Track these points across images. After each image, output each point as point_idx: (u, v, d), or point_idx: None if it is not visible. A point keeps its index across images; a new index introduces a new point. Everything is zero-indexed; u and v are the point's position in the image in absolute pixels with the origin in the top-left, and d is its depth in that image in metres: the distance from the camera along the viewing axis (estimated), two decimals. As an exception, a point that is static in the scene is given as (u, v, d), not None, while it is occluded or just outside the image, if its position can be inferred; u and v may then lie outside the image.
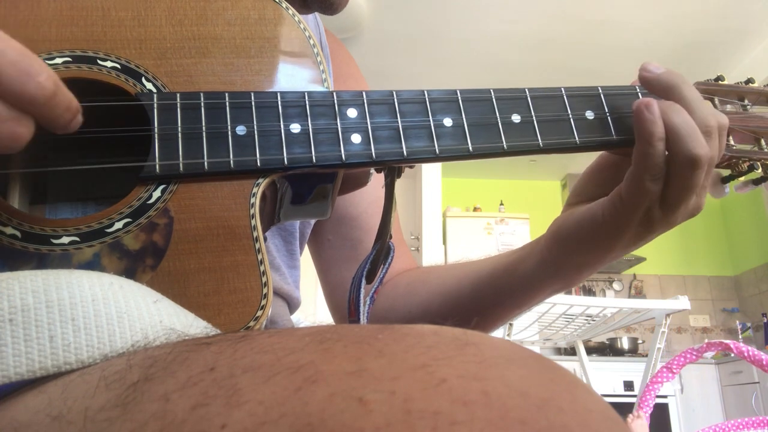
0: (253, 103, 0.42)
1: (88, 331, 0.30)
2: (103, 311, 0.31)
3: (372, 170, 0.49)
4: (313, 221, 0.68)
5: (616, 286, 5.02)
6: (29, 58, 0.30)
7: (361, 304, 0.48)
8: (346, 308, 0.69)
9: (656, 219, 0.46)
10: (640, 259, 4.78)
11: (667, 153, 0.44)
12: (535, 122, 0.47)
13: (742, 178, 0.52)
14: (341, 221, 0.70)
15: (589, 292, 4.96)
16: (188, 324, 0.33)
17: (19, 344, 0.29)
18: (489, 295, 0.57)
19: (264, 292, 0.38)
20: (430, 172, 4.52)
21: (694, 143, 0.43)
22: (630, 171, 0.45)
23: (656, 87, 0.47)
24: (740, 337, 4.56)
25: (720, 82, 0.54)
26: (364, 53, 3.56)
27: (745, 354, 1.26)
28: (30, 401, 0.28)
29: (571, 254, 0.50)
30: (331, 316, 0.73)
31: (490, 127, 0.46)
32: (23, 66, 0.30)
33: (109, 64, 0.42)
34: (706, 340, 1.35)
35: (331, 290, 0.71)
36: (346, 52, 0.77)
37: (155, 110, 0.40)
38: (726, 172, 0.53)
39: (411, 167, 0.47)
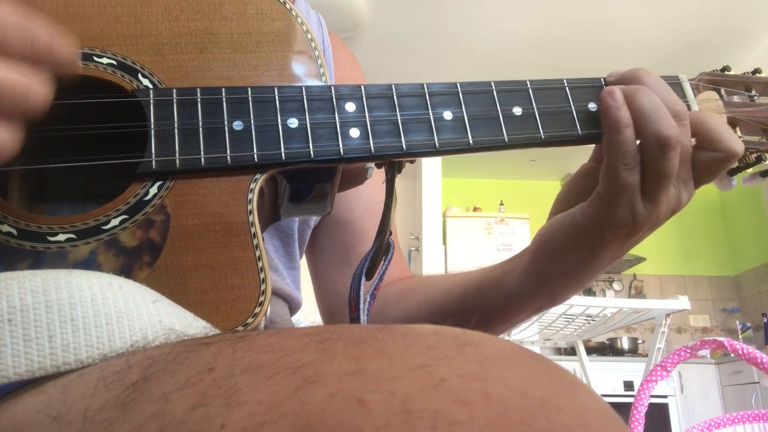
0: (250, 98, 0.42)
1: (87, 331, 0.30)
2: (102, 311, 0.31)
3: (372, 165, 0.48)
4: (312, 224, 0.68)
5: (616, 286, 5.02)
6: (20, 16, 0.31)
7: (361, 301, 0.48)
8: (336, 312, 0.69)
9: (639, 215, 0.44)
10: (640, 259, 4.78)
11: (638, 140, 0.43)
12: (536, 115, 0.47)
13: (749, 170, 0.51)
14: (335, 225, 0.69)
15: (589, 292, 4.96)
16: (187, 324, 0.33)
17: (18, 344, 0.29)
18: (473, 309, 0.56)
19: (262, 289, 0.37)
20: (430, 172, 4.52)
21: (663, 124, 0.42)
22: (603, 164, 0.44)
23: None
24: (740, 337, 4.56)
25: (726, 72, 0.53)
26: (364, 53, 3.56)
27: (740, 351, 1.26)
28: (29, 401, 0.27)
29: (554, 261, 0.49)
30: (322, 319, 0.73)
31: (491, 119, 0.46)
32: (17, 26, 0.31)
33: (105, 60, 0.41)
34: (701, 339, 1.34)
35: (322, 294, 0.70)
36: (351, 54, 0.76)
37: (151, 106, 0.40)
38: (733, 164, 0.52)
39: (412, 162, 0.47)
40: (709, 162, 0.45)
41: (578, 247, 0.47)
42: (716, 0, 3.12)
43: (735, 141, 0.45)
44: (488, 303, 0.55)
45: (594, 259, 0.47)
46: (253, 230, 0.39)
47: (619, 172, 0.43)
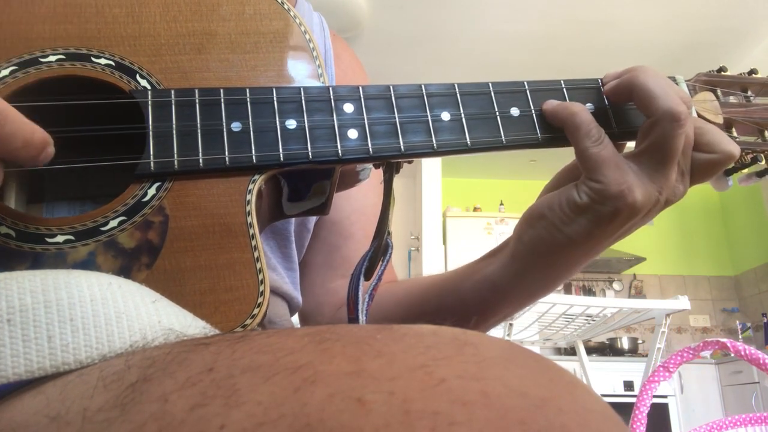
0: (248, 99, 0.42)
1: (86, 331, 0.30)
2: (102, 311, 0.31)
3: (368, 167, 0.48)
4: (311, 226, 0.67)
5: (616, 286, 5.02)
6: None
7: (360, 302, 0.48)
8: (312, 313, 0.68)
9: (637, 190, 0.43)
10: (640, 259, 4.78)
11: (647, 117, 0.44)
12: (534, 116, 0.47)
13: (745, 171, 0.52)
14: (321, 225, 0.69)
15: (589, 292, 4.96)
16: (187, 324, 0.33)
17: (17, 345, 0.29)
18: (452, 304, 0.55)
19: (260, 290, 0.37)
20: (430, 172, 4.52)
21: (672, 100, 0.42)
22: (575, 152, 0.45)
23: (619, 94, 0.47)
24: (740, 337, 4.56)
25: (723, 73, 0.54)
26: (364, 53, 3.56)
27: (742, 352, 1.26)
28: (28, 402, 0.27)
29: (544, 238, 0.46)
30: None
31: (489, 120, 0.46)
32: None
33: (103, 61, 0.41)
34: (704, 339, 1.34)
35: (300, 294, 0.69)
36: (354, 56, 0.76)
37: (149, 107, 0.40)
38: (729, 165, 0.53)
39: (410, 163, 0.47)
40: (706, 163, 0.46)
41: (574, 223, 0.45)
42: (716, 0, 3.12)
43: (731, 143, 0.46)
44: (467, 296, 0.54)
45: (587, 239, 0.45)
46: (251, 231, 0.39)
47: (590, 150, 0.43)
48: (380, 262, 0.50)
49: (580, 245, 0.46)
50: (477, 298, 0.53)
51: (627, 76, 0.46)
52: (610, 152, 0.43)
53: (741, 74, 0.54)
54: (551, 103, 0.47)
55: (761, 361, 1.23)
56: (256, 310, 0.37)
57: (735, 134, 0.51)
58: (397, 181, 0.49)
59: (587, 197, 0.44)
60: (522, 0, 3.16)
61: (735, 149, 0.46)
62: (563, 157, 0.51)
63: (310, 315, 0.69)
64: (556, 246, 0.46)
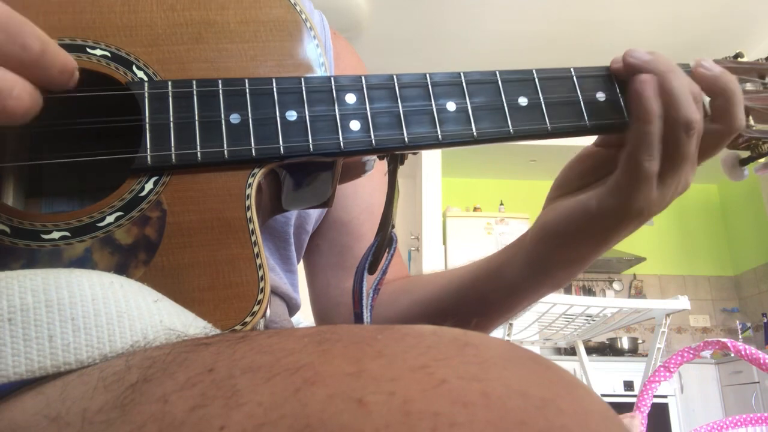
0: (247, 90, 0.41)
1: (87, 331, 0.30)
2: (103, 311, 0.31)
3: (373, 158, 0.47)
4: (310, 228, 0.67)
5: (616, 286, 5.02)
6: (13, 20, 0.30)
7: (364, 296, 0.47)
8: (328, 315, 0.68)
9: (653, 202, 0.44)
10: (640, 259, 4.78)
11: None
12: (543, 105, 0.45)
13: (762, 160, 0.50)
14: (331, 226, 0.69)
15: (589, 292, 4.96)
16: (188, 324, 0.33)
17: (18, 344, 0.29)
18: (472, 303, 0.55)
19: (261, 287, 0.37)
20: (430, 172, 4.52)
21: (690, 108, 0.42)
22: (626, 155, 0.43)
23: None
24: (740, 337, 4.57)
25: (739, 59, 0.52)
26: (364, 53, 3.55)
27: (743, 352, 1.26)
28: (28, 402, 0.27)
29: (561, 250, 0.48)
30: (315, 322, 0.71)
31: (496, 110, 0.44)
32: (6, 28, 0.30)
33: (98, 52, 0.40)
34: (704, 339, 1.34)
35: (315, 297, 0.69)
36: (356, 57, 0.75)
37: (146, 99, 0.39)
38: (745, 154, 0.51)
39: (414, 154, 0.45)
40: (712, 136, 0.45)
41: (591, 236, 0.46)
42: (716, 0, 3.12)
43: (741, 119, 0.46)
44: (487, 296, 0.54)
45: (604, 246, 0.47)
46: (251, 226, 0.38)
47: (643, 162, 0.43)
48: (385, 255, 0.50)
49: (594, 251, 0.48)
50: (498, 295, 0.54)
51: (658, 69, 0.45)
52: (656, 169, 0.43)
53: (758, 60, 0.52)
54: (645, 84, 0.44)
55: (761, 361, 1.23)
56: (256, 307, 0.36)
57: (752, 122, 0.49)
58: (397, 181, 0.48)
59: (608, 208, 0.44)
60: (523, 0, 3.16)
61: (740, 124, 0.45)
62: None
63: (327, 316, 0.69)
64: (576, 259, 0.49)
